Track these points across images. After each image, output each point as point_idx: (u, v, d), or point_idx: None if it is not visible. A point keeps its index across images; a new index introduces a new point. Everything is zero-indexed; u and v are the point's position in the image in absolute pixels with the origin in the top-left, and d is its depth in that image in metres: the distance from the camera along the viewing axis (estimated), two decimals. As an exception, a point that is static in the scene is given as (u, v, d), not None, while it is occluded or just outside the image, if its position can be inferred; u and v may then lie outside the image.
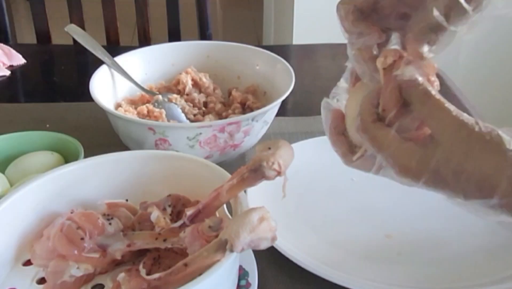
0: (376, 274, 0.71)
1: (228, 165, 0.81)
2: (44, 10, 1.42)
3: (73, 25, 1.05)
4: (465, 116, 0.52)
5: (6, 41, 1.38)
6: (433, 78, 0.59)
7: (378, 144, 0.56)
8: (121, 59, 1.00)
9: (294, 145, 0.69)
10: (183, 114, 0.98)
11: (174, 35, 1.47)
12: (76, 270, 0.62)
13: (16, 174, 0.80)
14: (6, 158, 0.83)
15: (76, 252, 0.62)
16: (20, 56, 1.23)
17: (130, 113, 0.93)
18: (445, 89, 1.19)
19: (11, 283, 0.63)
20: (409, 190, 0.59)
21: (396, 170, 0.55)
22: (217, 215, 0.68)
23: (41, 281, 0.64)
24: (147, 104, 0.96)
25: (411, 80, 0.55)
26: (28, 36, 1.59)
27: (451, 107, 0.53)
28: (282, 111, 0.96)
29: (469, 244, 0.75)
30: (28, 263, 0.66)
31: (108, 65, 0.97)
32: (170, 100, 0.99)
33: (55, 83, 1.22)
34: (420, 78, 0.55)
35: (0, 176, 0.79)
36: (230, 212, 0.69)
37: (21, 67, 1.23)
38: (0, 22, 1.42)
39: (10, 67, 1.21)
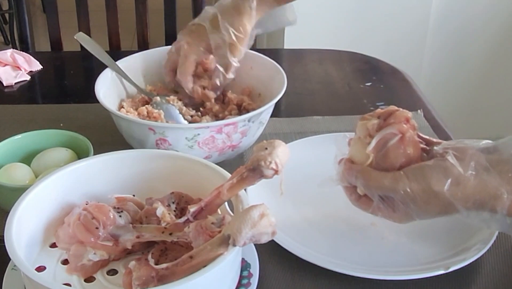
0: (364, 257, 0.78)
1: (227, 164, 0.84)
2: (57, 21, 1.50)
3: (81, 33, 1.09)
4: None
5: (27, 50, 1.48)
6: (410, 123, 0.70)
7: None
8: (122, 63, 1.04)
9: (288, 145, 0.73)
10: (180, 115, 1.01)
11: (171, 39, 1.50)
12: (93, 255, 0.69)
13: (39, 167, 0.87)
14: (30, 152, 0.91)
15: (92, 239, 0.69)
16: (37, 62, 1.31)
17: (132, 114, 0.96)
18: (411, 92, 1.23)
19: (41, 261, 0.71)
20: None
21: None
22: (219, 212, 0.72)
23: (65, 262, 0.71)
24: (147, 106, 1.00)
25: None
26: (44, 44, 1.65)
27: None
28: (276, 112, 1.00)
29: (435, 226, 0.82)
30: (54, 245, 0.73)
31: (111, 69, 1.01)
32: (167, 102, 1.02)
33: (67, 86, 1.30)
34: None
35: (27, 168, 0.87)
36: (232, 209, 0.73)
37: (39, 72, 1.30)
38: (22, 33, 1.52)
39: (30, 73, 1.29)
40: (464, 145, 0.68)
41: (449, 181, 0.65)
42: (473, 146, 0.67)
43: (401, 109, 0.73)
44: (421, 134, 0.73)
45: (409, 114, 0.72)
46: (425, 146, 0.72)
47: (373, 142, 0.71)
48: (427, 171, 0.67)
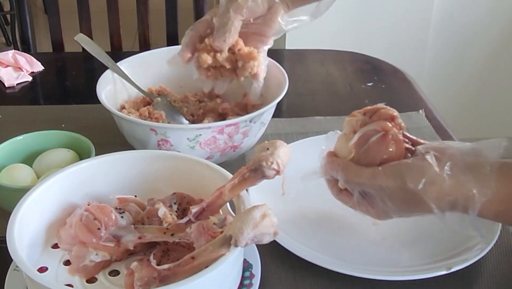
0: (366, 258, 0.78)
1: (229, 165, 0.84)
2: (59, 22, 1.51)
3: (81, 35, 1.09)
4: None
5: (28, 51, 1.48)
6: (395, 122, 0.71)
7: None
8: (123, 63, 1.04)
9: (290, 145, 0.73)
10: (182, 116, 1.01)
11: (172, 40, 1.51)
12: (95, 256, 0.69)
13: (41, 168, 0.87)
14: (32, 153, 0.91)
15: (94, 240, 0.69)
16: (39, 63, 1.32)
17: (133, 115, 0.97)
18: (412, 92, 1.23)
19: (43, 262, 0.71)
20: None
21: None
22: (221, 212, 0.72)
23: (67, 262, 0.71)
24: (148, 106, 1.00)
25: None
26: (45, 45, 1.66)
27: None
28: (277, 113, 1.00)
29: (437, 226, 0.81)
30: (55, 246, 0.73)
31: (111, 70, 1.01)
32: (169, 102, 1.02)
33: (68, 87, 1.31)
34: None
35: (29, 169, 0.87)
36: (233, 210, 0.73)
37: (40, 73, 1.31)
38: (24, 34, 1.52)
39: (32, 74, 1.29)
40: (445, 146, 0.68)
41: (424, 179, 0.65)
42: (453, 147, 0.68)
43: (388, 107, 0.73)
44: (407, 134, 0.73)
45: (395, 113, 0.73)
46: (410, 146, 0.72)
47: (355, 137, 0.72)
48: (404, 168, 0.68)
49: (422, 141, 0.73)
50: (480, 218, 0.65)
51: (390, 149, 0.70)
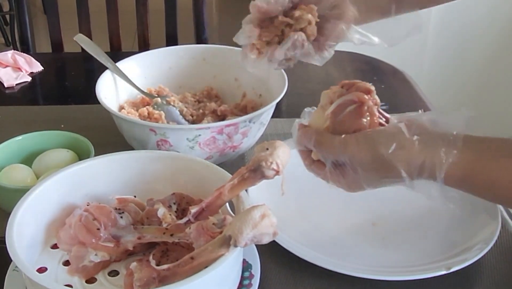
0: (365, 258, 0.78)
1: (228, 165, 0.85)
2: (58, 22, 1.51)
3: (80, 35, 1.09)
4: None
5: (28, 51, 1.47)
6: (371, 96, 0.72)
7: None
8: (122, 64, 1.04)
9: (289, 145, 0.73)
10: (181, 116, 1.02)
11: (171, 40, 1.51)
12: (95, 257, 0.69)
13: (40, 168, 0.88)
14: (31, 153, 0.91)
15: (93, 240, 0.69)
16: (38, 64, 1.32)
17: (133, 115, 0.97)
18: (411, 92, 1.23)
19: (42, 262, 0.71)
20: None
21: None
22: (220, 212, 0.72)
23: (66, 263, 0.71)
24: (147, 107, 1.00)
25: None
26: (45, 46, 1.66)
27: None
28: (277, 113, 1.00)
29: (436, 226, 0.84)
30: (55, 246, 0.73)
31: (111, 70, 1.01)
32: (168, 103, 1.02)
33: (67, 87, 1.31)
34: None
35: (28, 169, 0.87)
36: (233, 210, 0.73)
37: (40, 73, 1.31)
38: (23, 34, 1.52)
39: (31, 74, 1.30)
40: (416, 117, 0.69)
41: (395, 144, 0.66)
42: (423, 117, 0.69)
43: (364, 82, 0.74)
44: (381, 111, 0.73)
45: (372, 87, 0.74)
46: (384, 122, 0.72)
47: (332, 106, 0.72)
48: (376, 135, 0.68)
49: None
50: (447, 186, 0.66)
51: (364, 120, 0.70)
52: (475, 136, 0.66)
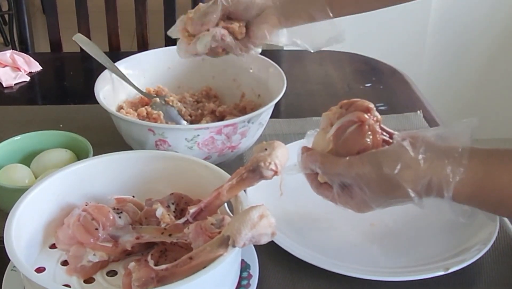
0: (363, 259, 0.78)
1: (227, 165, 0.84)
2: (57, 22, 1.50)
3: (79, 35, 1.09)
4: None
5: (26, 51, 1.48)
6: (372, 114, 0.72)
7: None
8: (121, 64, 1.04)
9: (288, 146, 0.73)
10: (179, 116, 1.02)
11: (170, 40, 1.50)
12: (93, 256, 0.69)
13: (38, 168, 0.87)
14: (29, 153, 0.91)
15: (92, 240, 0.69)
16: (37, 63, 1.32)
17: (131, 115, 0.97)
18: (410, 93, 1.23)
19: (41, 262, 0.71)
20: None
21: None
22: (219, 213, 0.72)
23: (65, 263, 0.71)
24: (146, 107, 1.00)
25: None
26: (44, 45, 1.66)
27: None
28: (275, 113, 1.00)
29: (435, 227, 0.84)
30: (53, 246, 0.73)
31: (109, 70, 1.01)
32: (167, 103, 1.02)
33: (66, 87, 1.31)
34: None
35: (27, 169, 0.87)
36: (231, 210, 0.73)
37: (38, 73, 1.31)
38: (22, 34, 1.52)
39: (30, 74, 1.30)
40: (420, 133, 0.69)
41: (400, 164, 0.66)
42: (427, 133, 0.68)
43: (363, 100, 0.74)
44: (384, 127, 0.73)
45: (371, 105, 0.73)
46: (388, 139, 0.72)
47: (333, 129, 0.72)
48: (380, 155, 0.68)
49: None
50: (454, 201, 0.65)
51: (367, 139, 0.70)
52: (482, 149, 0.65)
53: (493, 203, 0.66)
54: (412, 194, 0.65)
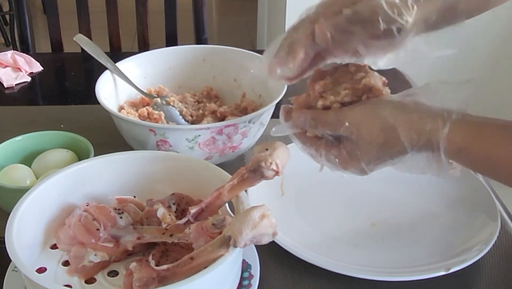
0: (364, 259, 0.78)
1: (228, 166, 0.84)
2: (58, 22, 1.51)
3: (80, 35, 1.09)
4: None
5: (27, 51, 1.48)
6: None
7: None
8: (122, 64, 1.04)
9: (289, 146, 0.73)
10: (180, 117, 1.02)
11: (171, 40, 1.51)
12: (94, 257, 0.69)
13: (40, 168, 0.87)
14: (31, 153, 0.91)
15: (93, 240, 0.69)
16: (38, 64, 1.32)
17: (132, 116, 0.97)
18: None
19: (42, 263, 0.71)
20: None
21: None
22: (220, 213, 0.72)
23: (66, 263, 0.71)
24: (147, 107, 1.00)
25: None
26: (45, 46, 1.66)
27: None
28: (276, 114, 0.99)
29: (436, 226, 0.84)
30: (54, 247, 0.73)
31: (110, 70, 1.01)
32: (168, 103, 1.02)
33: (67, 87, 1.31)
34: None
35: (28, 169, 0.87)
36: (232, 211, 0.73)
37: (39, 73, 1.31)
38: (23, 35, 1.52)
39: (31, 74, 1.30)
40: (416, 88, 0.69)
41: (391, 106, 0.65)
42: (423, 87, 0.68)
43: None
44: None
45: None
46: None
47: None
48: (372, 101, 0.67)
49: None
50: (445, 159, 0.63)
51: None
52: (474, 115, 0.65)
53: (480, 161, 0.63)
54: (405, 141, 0.63)
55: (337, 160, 0.68)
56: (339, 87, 0.69)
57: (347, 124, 0.66)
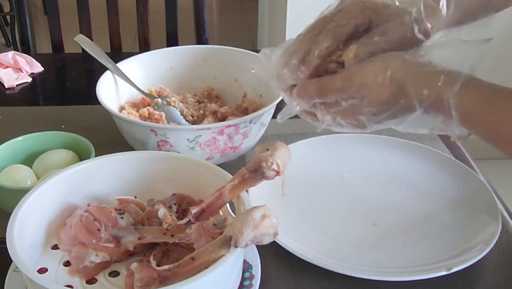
0: (366, 259, 0.78)
1: (229, 166, 0.85)
2: (58, 23, 1.51)
3: (81, 35, 1.09)
4: None
5: (28, 52, 1.48)
6: None
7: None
8: (123, 64, 1.04)
9: (290, 146, 0.73)
10: (181, 117, 1.02)
11: (172, 40, 1.52)
12: (95, 257, 0.69)
13: (41, 169, 0.88)
14: (31, 154, 0.91)
15: (94, 241, 0.69)
16: (39, 64, 1.32)
17: (133, 116, 0.97)
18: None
19: (43, 263, 0.71)
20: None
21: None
22: (221, 213, 0.72)
23: (67, 263, 0.71)
24: (148, 107, 1.00)
25: None
26: (45, 46, 1.66)
27: None
28: (277, 114, 0.99)
29: (437, 226, 0.84)
30: (55, 247, 0.73)
31: (111, 71, 1.01)
32: (168, 103, 1.02)
33: (68, 88, 1.31)
34: None
35: (29, 170, 0.87)
36: (233, 211, 0.73)
37: (40, 74, 1.31)
38: (24, 35, 1.53)
39: (31, 75, 1.30)
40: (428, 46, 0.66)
41: (401, 61, 0.63)
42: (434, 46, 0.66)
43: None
44: None
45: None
46: None
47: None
48: (381, 57, 0.65)
49: None
50: (456, 115, 0.61)
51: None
52: (484, 80, 0.62)
53: (485, 125, 0.62)
54: (413, 97, 0.61)
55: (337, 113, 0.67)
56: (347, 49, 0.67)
57: (355, 86, 0.64)
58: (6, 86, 1.24)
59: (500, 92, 0.62)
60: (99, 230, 0.69)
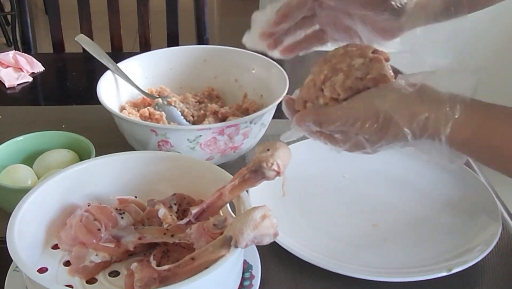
0: (366, 259, 0.78)
1: (229, 166, 0.85)
2: (59, 22, 1.51)
3: (81, 35, 1.09)
4: None
5: (29, 51, 1.48)
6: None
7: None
8: (123, 64, 1.04)
9: (290, 146, 0.73)
10: (182, 117, 1.02)
11: (172, 40, 1.51)
12: (95, 257, 0.69)
13: (41, 168, 0.88)
14: (32, 154, 0.92)
15: (94, 241, 0.69)
16: (40, 64, 1.32)
17: (134, 116, 0.97)
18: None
19: (43, 262, 0.71)
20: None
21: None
22: (221, 213, 0.72)
23: (67, 263, 0.71)
24: (148, 107, 1.00)
25: None
26: (46, 46, 1.67)
27: None
28: (278, 114, 1.00)
29: (437, 227, 0.84)
30: (56, 247, 0.73)
31: (112, 71, 1.01)
32: (169, 103, 1.02)
33: (68, 87, 1.31)
34: None
35: (29, 170, 0.87)
36: (234, 211, 0.73)
37: (41, 74, 1.31)
38: (24, 35, 1.53)
39: (32, 74, 1.30)
40: (423, 73, 0.66)
41: (393, 97, 0.64)
42: (429, 74, 0.66)
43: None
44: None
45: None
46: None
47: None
48: (373, 91, 0.66)
49: None
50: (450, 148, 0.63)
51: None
52: (481, 101, 0.63)
53: (486, 152, 0.63)
54: (406, 130, 0.62)
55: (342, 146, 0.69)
56: (335, 78, 0.68)
57: (350, 119, 0.65)
58: (7, 86, 1.24)
59: (497, 114, 0.62)
60: (99, 230, 0.69)
